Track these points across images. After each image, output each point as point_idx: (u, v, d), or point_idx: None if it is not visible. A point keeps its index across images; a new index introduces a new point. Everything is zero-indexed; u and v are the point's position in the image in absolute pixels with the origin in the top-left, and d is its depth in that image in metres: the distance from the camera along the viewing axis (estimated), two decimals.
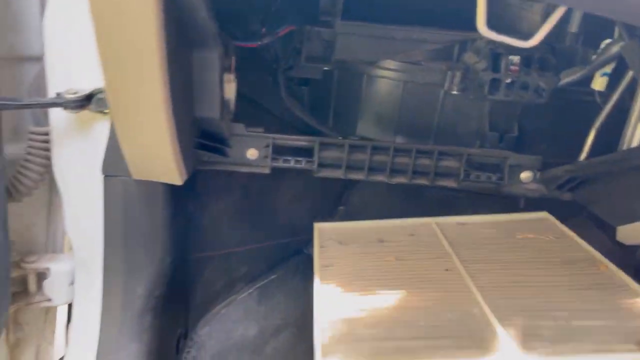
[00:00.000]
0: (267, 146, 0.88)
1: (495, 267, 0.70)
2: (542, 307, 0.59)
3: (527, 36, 0.81)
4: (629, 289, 0.63)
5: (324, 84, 1.05)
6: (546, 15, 0.87)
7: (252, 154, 0.88)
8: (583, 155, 0.91)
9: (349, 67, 1.01)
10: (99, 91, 0.75)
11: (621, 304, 0.59)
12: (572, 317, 0.57)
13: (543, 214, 0.87)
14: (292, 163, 0.89)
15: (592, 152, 0.91)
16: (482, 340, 0.53)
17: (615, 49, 0.84)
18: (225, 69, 0.81)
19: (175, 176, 0.75)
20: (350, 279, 0.70)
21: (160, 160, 0.72)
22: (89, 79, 0.75)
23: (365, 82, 1.01)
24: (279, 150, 0.89)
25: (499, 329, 0.55)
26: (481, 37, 0.83)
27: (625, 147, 0.83)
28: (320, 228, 0.91)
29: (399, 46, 0.94)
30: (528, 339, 0.53)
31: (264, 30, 0.93)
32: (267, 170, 0.88)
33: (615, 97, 0.87)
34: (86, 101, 0.75)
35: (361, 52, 0.95)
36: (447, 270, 0.70)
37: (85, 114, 0.76)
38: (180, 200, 0.90)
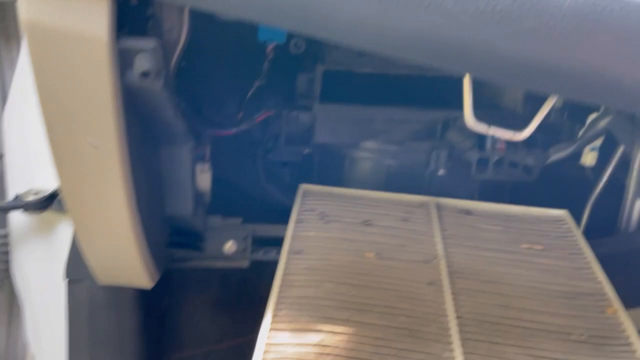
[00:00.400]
0: (246, 238, 0.82)
1: (485, 289, 0.61)
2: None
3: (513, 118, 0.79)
4: (634, 348, 0.53)
5: (306, 165, 1.02)
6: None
7: (229, 247, 0.82)
8: None
9: (330, 149, 0.97)
10: None
11: None
12: None
13: (562, 213, 0.77)
14: (273, 254, 0.83)
15: (588, 230, 0.87)
16: None
17: (602, 123, 0.82)
18: (198, 159, 0.77)
19: (145, 280, 0.69)
20: (318, 277, 0.61)
21: (127, 264, 0.66)
22: (51, 179, 0.70)
23: (348, 164, 0.97)
24: (260, 241, 0.84)
25: None
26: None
27: (623, 224, 0.79)
28: (305, 190, 0.80)
29: (380, 127, 0.91)
30: None
31: (240, 115, 0.90)
32: (245, 265, 0.82)
33: (607, 172, 0.84)
34: (48, 202, 0.70)
35: (342, 134, 0.92)
36: (430, 284, 0.61)
37: (47, 215, 0.70)
38: (152, 300, 0.83)
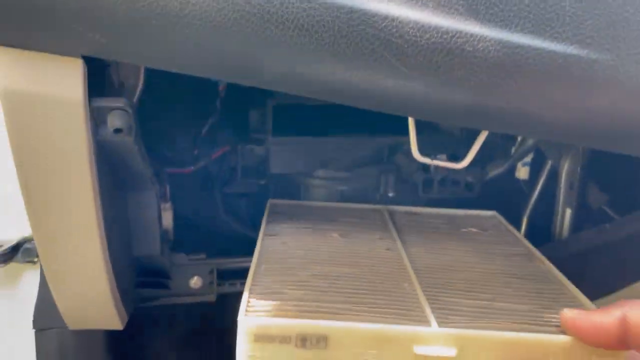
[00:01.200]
0: (211, 272, 0.85)
1: (434, 252, 0.71)
2: (470, 289, 0.60)
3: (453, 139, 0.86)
4: (559, 283, 0.63)
5: (263, 195, 1.05)
6: None
7: (195, 282, 0.84)
8: None
9: (285, 179, 1.02)
10: (27, 240, 0.71)
11: (549, 295, 0.59)
12: (496, 299, 0.58)
13: (492, 213, 0.88)
14: (238, 286, 0.86)
15: (527, 238, 0.95)
16: (404, 310, 0.54)
17: (530, 141, 0.90)
18: (160, 198, 0.79)
19: (116, 321, 0.71)
20: (292, 247, 0.70)
21: (99, 308, 0.67)
22: (14, 229, 0.71)
23: (303, 192, 1.01)
24: (224, 274, 0.86)
25: (424, 302, 0.56)
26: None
27: (557, 232, 0.87)
28: (273, 203, 0.90)
29: (331, 155, 0.96)
30: (448, 313, 0.54)
31: (196, 152, 0.93)
32: (212, 298, 0.85)
33: (539, 185, 0.92)
34: (13, 253, 0.70)
35: (295, 164, 0.96)
36: (387, 249, 0.71)
37: (12, 266, 0.71)
38: (120, 341, 0.84)
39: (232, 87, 0.92)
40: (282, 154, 0.95)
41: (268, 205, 0.88)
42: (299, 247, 0.70)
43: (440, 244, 0.74)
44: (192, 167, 0.90)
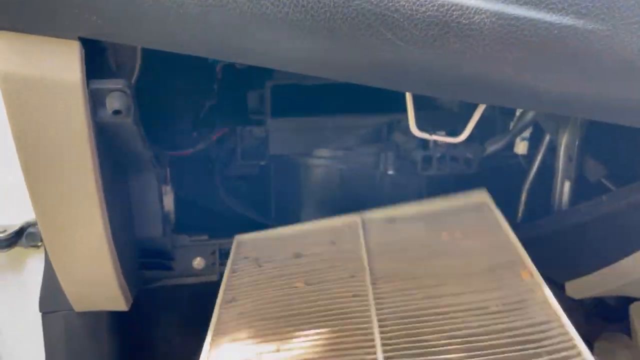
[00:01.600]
0: (214, 252, 0.86)
1: (406, 286, 0.65)
2: (440, 344, 0.55)
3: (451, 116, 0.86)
4: (549, 308, 0.57)
5: (263, 176, 1.06)
6: None
7: (198, 263, 0.85)
8: (519, 217, 0.95)
9: (285, 159, 1.02)
10: (30, 224, 0.72)
11: (535, 330, 0.54)
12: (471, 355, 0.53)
13: (481, 196, 0.81)
14: None
15: (527, 212, 0.95)
16: None
17: (529, 115, 0.90)
18: (161, 182, 0.80)
19: (121, 303, 0.72)
20: (250, 320, 0.65)
21: (104, 289, 0.68)
22: (18, 214, 0.71)
23: (303, 172, 1.02)
24: (227, 254, 0.87)
25: None
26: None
27: (556, 205, 0.88)
28: (239, 242, 0.84)
29: (330, 135, 0.96)
30: None
31: (195, 134, 0.93)
32: (215, 278, 0.86)
33: (538, 159, 0.92)
34: (17, 237, 0.71)
35: (294, 145, 0.97)
36: (354, 296, 0.65)
37: (16, 250, 0.72)
38: (125, 322, 0.85)
39: (229, 69, 0.92)
40: (282, 135, 0.95)
41: (234, 245, 0.83)
42: (259, 315, 0.65)
43: (415, 269, 0.67)
44: (192, 150, 0.90)
